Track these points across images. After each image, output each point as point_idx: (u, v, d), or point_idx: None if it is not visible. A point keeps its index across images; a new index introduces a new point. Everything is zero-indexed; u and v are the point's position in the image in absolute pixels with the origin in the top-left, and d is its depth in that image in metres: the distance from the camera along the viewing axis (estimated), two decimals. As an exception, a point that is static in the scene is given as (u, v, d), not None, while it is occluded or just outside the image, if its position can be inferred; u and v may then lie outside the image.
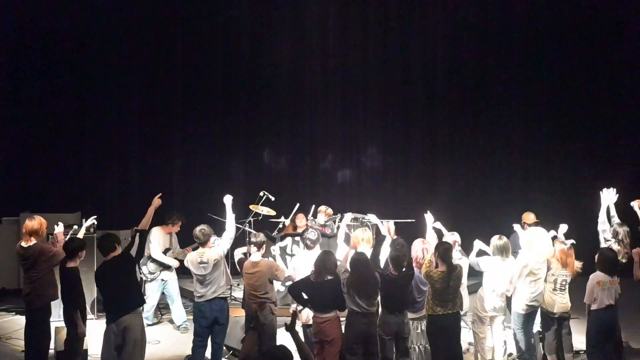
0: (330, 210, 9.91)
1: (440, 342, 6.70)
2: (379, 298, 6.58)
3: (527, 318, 7.38)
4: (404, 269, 6.57)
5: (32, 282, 7.03)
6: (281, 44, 12.67)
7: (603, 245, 7.51)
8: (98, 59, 12.45)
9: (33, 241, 7.13)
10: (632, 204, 7.75)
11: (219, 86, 12.74)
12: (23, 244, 7.16)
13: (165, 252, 8.91)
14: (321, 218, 9.77)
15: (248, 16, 12.62)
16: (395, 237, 7.32)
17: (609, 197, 7.76)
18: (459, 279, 6.79)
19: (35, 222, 7.23)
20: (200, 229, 7.09)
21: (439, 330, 6.69)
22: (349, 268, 6.51)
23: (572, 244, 7.37)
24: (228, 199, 7.32)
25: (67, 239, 7.31)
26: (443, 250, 6.73)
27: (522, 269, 7.20)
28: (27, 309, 7.17)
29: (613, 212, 7.77)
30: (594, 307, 6.82)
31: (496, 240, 7.34)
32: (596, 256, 7.05)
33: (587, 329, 6.97)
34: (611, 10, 12.19)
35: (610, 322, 6.91)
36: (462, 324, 7.45)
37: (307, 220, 9.84)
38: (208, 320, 7.06)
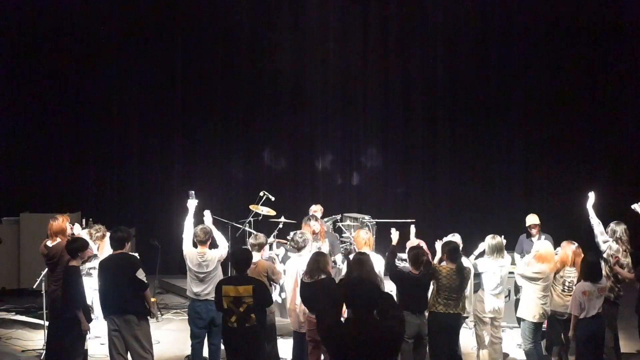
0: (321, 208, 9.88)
1: (439, 340, 6.65)
2: None
3: (538, 328, 7.17)
4: (422, 267, 6.54)
5: (57, 280, 7.05)
6: (281, 44, 12.66)
7: (602, 246, 7.47)
8: (98, 59, 12.45)
9: (58, 240, 7.20)
10: (633, 206, 7.71)
11: (219, 86, 12.71)
12: (48, 243, 7.22)
13: None
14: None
15: (248, 16, 12.60)
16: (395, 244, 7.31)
17: (590, 200, 7.79)
18: (467, 280, 6.76)
19: (60, 221, 7.35)
20: (201, 228, 7.08)
21: (438, 329, 6.64)
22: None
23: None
24: (208, 220, 7.32)
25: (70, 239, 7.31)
26: (449, 250, 6.71)
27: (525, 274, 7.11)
28: (52, 307, 7.18)
29: (592, 213, 7.74)
30: (581, 316, 6.62)
31: (489, 239, 7.32)
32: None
33: (576, 339, 6.76)
34: (611, 13, 12.19)
35: (598, 331, 6.68)
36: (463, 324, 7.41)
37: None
38: (204, 321, 7.01)
